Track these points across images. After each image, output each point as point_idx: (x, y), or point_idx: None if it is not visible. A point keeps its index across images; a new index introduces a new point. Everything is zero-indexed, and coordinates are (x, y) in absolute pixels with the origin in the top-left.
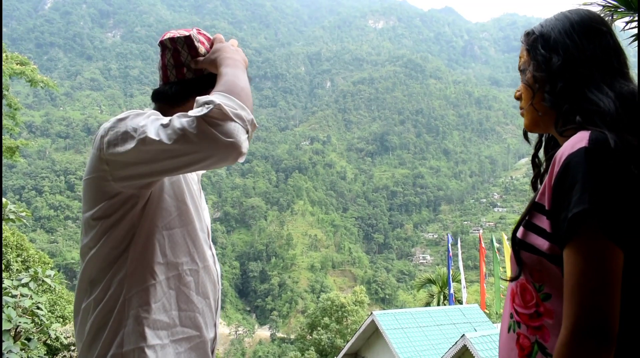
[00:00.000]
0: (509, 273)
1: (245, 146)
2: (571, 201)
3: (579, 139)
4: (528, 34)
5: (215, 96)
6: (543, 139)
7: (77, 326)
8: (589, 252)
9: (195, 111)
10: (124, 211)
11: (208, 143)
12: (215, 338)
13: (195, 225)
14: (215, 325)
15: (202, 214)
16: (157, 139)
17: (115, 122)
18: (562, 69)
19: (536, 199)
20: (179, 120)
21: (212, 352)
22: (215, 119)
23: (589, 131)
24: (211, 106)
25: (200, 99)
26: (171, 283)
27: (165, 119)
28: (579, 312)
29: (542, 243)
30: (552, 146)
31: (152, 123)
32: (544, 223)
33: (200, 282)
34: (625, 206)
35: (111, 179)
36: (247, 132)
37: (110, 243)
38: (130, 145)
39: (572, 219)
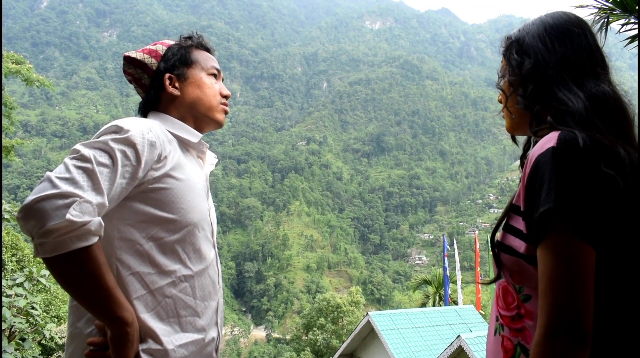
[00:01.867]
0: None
1: (23, 225)
2: (539, 200)
3: (549, 140)
4: (506, 39)
5: (85, 229)
6: (532, 140)
7: (68, 324)
8: (558, 251)
9: (64, 202)
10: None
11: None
12: (218, 336)
13: (192, 229)
14: (217, 323)
15: (207, 214)
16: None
17: (104, 134)
18: (533, 71)
19: (513, 201)
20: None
21: (217, 350)
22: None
23: (559, 131)
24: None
25: (206, 167)
26: (166, 292)
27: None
28: (551, 311)
29: (519, 245)
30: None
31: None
32: (520, 224)
33: (198, 286)
34: (594, 204)
35: None
36: (31, 234)
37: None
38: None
39: (539, 218)
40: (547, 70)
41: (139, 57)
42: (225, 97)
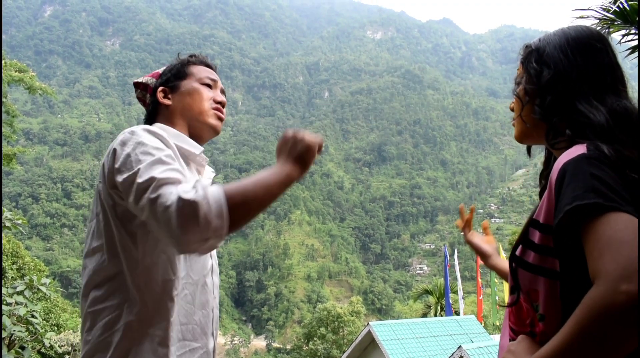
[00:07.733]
0: (505, 287)
1: (190, 248)
2: (572, 194)
3: (577, 150)
4: (525, 48)
5: (214, 190)
6: (553, 156)
7: (82, 332)
8: (604, 224)
9: (184, 189)
10: (126, 220)
11: (162, 222)
12: (214, 347)
13: None
14: (212, 334)
15: None
16: (144, 187)
17: (129, 141)
18: (552, 82)
19: (534, 216)
20: (163, 189)
21: None
22: (184, 211)
23: (585, 144)
24: (192, 198)
25: (203, 179)
26: (174, 298)
27: (161, 171)
28: (612, 266)
29: (537, 260)
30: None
31: (149, 166)
32: (538, 238)
33: (198, 294)
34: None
35: (109, 188)
36: (206, 240)
37: (115, 251)
38: (123, 174)
39: (575, 208)
40: (568, 82)
41: (142, 81)
42: (219, 103)
